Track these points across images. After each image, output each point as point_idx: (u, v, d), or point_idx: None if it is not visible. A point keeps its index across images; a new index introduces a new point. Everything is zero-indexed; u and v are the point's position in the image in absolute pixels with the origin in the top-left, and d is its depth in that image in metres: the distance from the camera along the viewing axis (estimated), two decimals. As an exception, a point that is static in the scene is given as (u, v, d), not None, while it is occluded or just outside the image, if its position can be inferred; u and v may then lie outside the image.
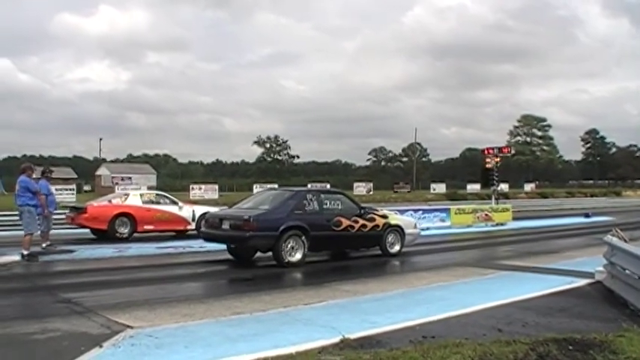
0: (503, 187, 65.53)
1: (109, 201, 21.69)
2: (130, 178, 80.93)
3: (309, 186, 63.68)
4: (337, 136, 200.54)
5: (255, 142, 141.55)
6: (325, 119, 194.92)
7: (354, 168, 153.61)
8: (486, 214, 28.34)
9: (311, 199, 15.34)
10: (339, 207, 15.87)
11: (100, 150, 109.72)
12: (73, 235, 20.92)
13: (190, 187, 63.43)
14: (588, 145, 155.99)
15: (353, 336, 7.46)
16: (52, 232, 17.52)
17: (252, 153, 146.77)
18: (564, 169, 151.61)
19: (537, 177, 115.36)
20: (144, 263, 15.40)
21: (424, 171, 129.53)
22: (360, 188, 78.01)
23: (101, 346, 7.06)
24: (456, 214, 27.57)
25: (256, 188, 61.71)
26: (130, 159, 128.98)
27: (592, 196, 75.20)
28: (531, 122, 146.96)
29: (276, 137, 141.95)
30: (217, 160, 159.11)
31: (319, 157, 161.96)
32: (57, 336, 7.65)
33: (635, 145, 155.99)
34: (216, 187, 61.54)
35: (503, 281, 12.59)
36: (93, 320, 8.57)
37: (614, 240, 11.24)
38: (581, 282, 11.77)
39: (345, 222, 15.55)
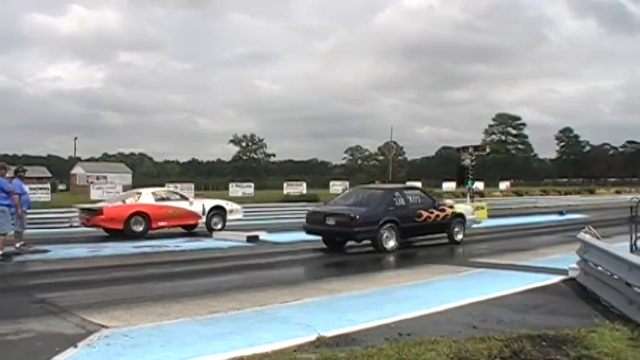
0: (479, 185, 65.77)
1: (123, 201, 22.16)
2: (105, 177, 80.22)
3: (285, 185, 63.94)
4: (313, 135, 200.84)
5: (231, 141, 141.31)
6: (301, 118, 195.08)
7: (330, 167, 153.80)
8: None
9: (398, 196, 18.09)
10: (419, 201, 18.61)
11: (75, 149, 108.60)
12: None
13: (166, 185, 62.90)
14: (562, 143, 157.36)
15: (329, 334, 7.49)
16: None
17: (228, 152, 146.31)
18: (539, 167, 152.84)
19: (512, 175, 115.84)
20: (119, 263, 15.32)
21: (400, 169, 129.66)
22: (337, 187, 77.65)
23: (76, 346, 7.02)
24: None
25: (232, 187, 61.59)
26: (106, 158, 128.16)
27: (566, 194, 75.93)
28: (506, 121, 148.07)
29: (252, 136, 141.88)
30: (193, 159, 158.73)
31: (295, 155, 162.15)
32: (31, 337, 7.62)
33: (609, 144, 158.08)
34: (192, 186, 60.88)
35: (478, 278, 12.71)
36: (68, 320, 8.53)
37: (587, 237, 11.38)
38: (555, 279, 11.89)
39: (425, 214, 18.31)
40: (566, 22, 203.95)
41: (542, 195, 69.19)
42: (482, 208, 29.34)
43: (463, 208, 20.79)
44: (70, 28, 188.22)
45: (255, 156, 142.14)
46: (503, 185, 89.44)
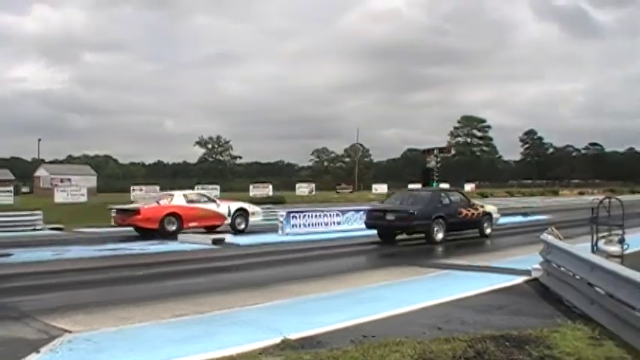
0: (444, 186, 66.26)
1: (157, 202, 23.71)
2: (69, 179, 79.35)
3: (251, 187, 63.85)
4: (280, 136, 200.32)
5: (197, 143, 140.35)
6: (267, 120, 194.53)
7: (296, 168, 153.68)
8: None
9: (444, 197, 21.85)
10: (459, 200, 22.15)
11: (39, 151, 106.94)
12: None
13: (131, 188, 62.45)
14: (527, 145, 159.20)
15: (294, 336, 7.48)
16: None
17: (194, 154, 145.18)
18: (504, 168, 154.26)
19: (477, 177, 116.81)
20: (83, 266, 15.19)
21: (366, 171, 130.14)
22: (303, 189, 77.96)
23: (38, 352, 6.94)
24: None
25: (198, 189, 61.18)
26: (70, 160, 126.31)
27: (530, 195, 76.84)
28: (471, 123, 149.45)
29: (218, 138, 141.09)
30: (159, 160, 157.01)
31: (262, 157, 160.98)
32: (-8, 342, 7.50)
33: (572, 146, 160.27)
34: (158, 188, 60.43)
35: (443, 280, 12.81)
36: (30, 325, 8.43)
37: (550, 238, 11.51)
38: (519, 279, 12.01)
39: (464, 211, 21.55)
40: (530, 26, 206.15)
41: (506, 196, 69.93)
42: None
43: (490, 207, 23.88)
44: (35, 28, 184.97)
45: (222, 158, 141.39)
46: (469, 187, 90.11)
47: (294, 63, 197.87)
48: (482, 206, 22.94)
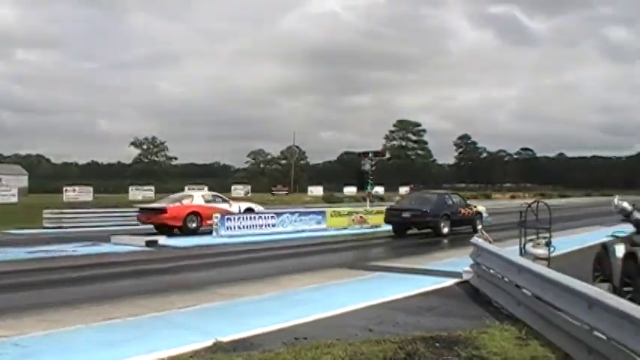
0: (379, 189, 66.93)
1: (180, 202, 25.74)
2: None
3: (186, 188, 62.99)
4: (216, 138, 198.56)
5: (132, 144, 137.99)
6: (204, 121, 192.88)
7: (232, 170, 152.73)
8: (361, 217, 28.88)
9: (448, 198, 25.96)
10: (458, 202, 26.14)
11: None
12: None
13: (64, 188, 61.04)
14: (461, 149, 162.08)
15: (226, 339, 7.47)
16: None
17: (128, 154, 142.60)
18: (438, 172, 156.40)
19: (412, 180, 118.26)
20: (12, 269, 14.82)
21: (302, 174, 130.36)
22: (239, 191, 77.62)
23: (-38, 357, 6.76)
24: (331, 216, 28.00)
25: (132, 190, 60.45)
26: (1, 159, 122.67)
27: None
28: (406, 127, 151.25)
29: (153, 138, 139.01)
30: (93, 161, 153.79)
31: (198, 159, 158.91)
32: None
33: (504, 151, 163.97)
34: (91, 189, 59.49)
35: (375, 282, 12.93)
36: (-46, 331, 8.18)
37: (480, 241, 11.76)
38: (450, 282, 12.24)
39: (462, 210, 25.48)
40: (465, 33, 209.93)
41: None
42: (380, 212, 29.90)
43: (481, 208, 27.66)
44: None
45: (157, 159, 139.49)
46: (403, 190, 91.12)
47: (231, 64, 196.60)
48: (475, 207, 26.96)
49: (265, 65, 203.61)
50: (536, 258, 11.04)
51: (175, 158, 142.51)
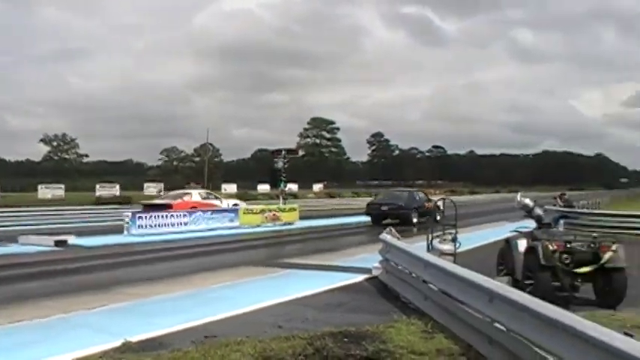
0: (293, 187, 67.16)
1: (182, 198, 29.50)
2: None
3: (97, 187, 61.72)
4: (129, 135, 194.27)
5: (42, 140, 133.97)
6: (116, 118, 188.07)
7: (145, 168, 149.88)
8: (274, 214, 28.98)
9: (416, 194, 31.97)
10: (424, 197, 31.49)
11: None
12: None
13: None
14: (374, 147, 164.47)
15: (135, 339, 7.40)
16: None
17: (37, 151, 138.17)
18: (352, 169, 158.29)
19: (326, 177, 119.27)
20: None
21: (216, 171, 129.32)
22: (151, 189, 76.05)
23: None
24: (244, 214, 27.93)
25: (41, 189, 58.57)
26: None
27: (376, 196, 79.17)
28: (320, 124, 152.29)
29: (63, 135, 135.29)
30: (0, 158, 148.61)
31: (109, 156, 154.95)
32: None
33: (416, 148, 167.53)
34: (-1, 186, 57.31)
35: (287, 279, 13.05)
36: None
37: (389, 238, 11.98)
38: (360, 278, 12.45)
39: (426, 204, 28.96)
40: (379, 32, 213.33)
41: (353, 197, 71.73)
42: (293, 209, 30.08)
43: (439, 202, 29.64)
44: None
45: (67, 156, 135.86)
46: (317, 187, 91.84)
47: (144, 60, 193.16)
48: (434, 201, 28.79)
49: (179, 61, 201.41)
50: (442, 254, 11.32)
51: (86, 156, 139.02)
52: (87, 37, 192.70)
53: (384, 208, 29.55)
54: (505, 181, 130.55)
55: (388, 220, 26.74)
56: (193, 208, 27.33)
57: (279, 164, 31.49)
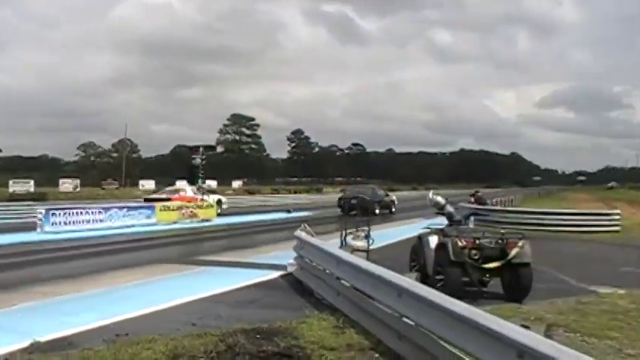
0: (211, 183, 66.66)
1: (178, 193, 33.10)
2: None
3: (10, 182, 59.90)
4: (44, 129, 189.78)
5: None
6: (31, 112, 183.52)
7: (62, 163, 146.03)
8: (192, 211, 28.77)
9: (377, 190, 40.00)
10: (383, 193, 39.48)
11: None
12: None
13: None
14: (294, 144, 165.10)
15: (44, 339, 7.29)
16: None
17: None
18: (271, 166, 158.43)
19: (246, 174, 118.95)
20: None
21: (134, 167, 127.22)
22: (67, 185, 74.17)
23: None
24: (161, 210, 27.56)
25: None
26: None
27: (296, 192, 79.70)
28: (240, 121, 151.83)
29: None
30: None
31: (25, 151, 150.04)
32: None
33: (336, 146, 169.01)
34: None
35: (202, 276, 13.04)
36: None
37: (303, 234, 12.14)
38: (275, 274, 12.58)
39: (385, 199, 37.87)
40: (300, 29, 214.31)
41: (273, 193, 71.89)
42: (211, 206, 29.95)
43: (394, 197, 41.31)
44: None
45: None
46: (236, 184, 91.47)
47: (62, 52, 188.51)
48: (391, 196, 40.50)
49: (97, 55, 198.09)
50: (354, 250, 11.55)
51: (0, 150, 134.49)
52: (1, 28, 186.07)
53: (353, 201, 33.33)
54: (423, 179, 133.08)
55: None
56: (189, 202, 30.71)
57: (197, 160, 31.39)
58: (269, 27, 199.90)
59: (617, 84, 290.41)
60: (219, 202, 35.27)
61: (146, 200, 31.12)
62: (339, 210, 35.24)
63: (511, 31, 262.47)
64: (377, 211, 34.34)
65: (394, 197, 40.89)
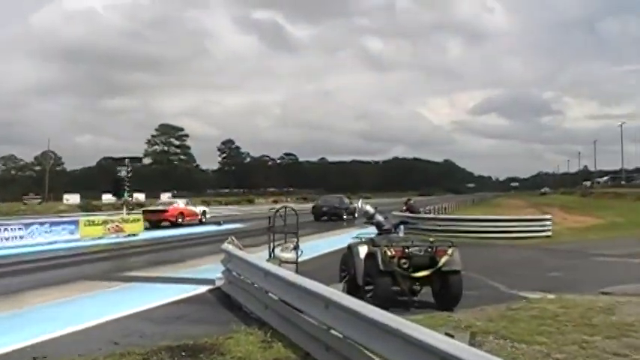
0: (139, 196, 65.73)
1: (172, 205, 38.20)
2: None
3: None
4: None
5: None
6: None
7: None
8: (117, 225, 28.21)
9: (344, 198, 45.88)
10: (348, 201, 43.57)
11: None
12: None
13: None
14: (224, 154, 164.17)
15: (-46, 365, 7.04)
16: None
17: None
18: (202, 177, 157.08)
19: (175, 186, 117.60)
20: None
21: (58, 181, 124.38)
22: (-15, 199, 71.89)
23: None
24: (85, 226, 26.94)
25: None
26: None
27: (227, 204, 79.23)
28: (169, 131, 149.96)
29: None
30: None
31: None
32: None
33: (268, 156, 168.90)
34: None
35: (127, 293, 12.79)
36: None
37: (230, 247, 12.03)
38: (203, 289, 12.45)
39: (350, 206, 39.12)
40: (229, 37, 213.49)
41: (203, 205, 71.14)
42: (137, 220, 29.48)
43: (357, 204, 40.25)
44: None
45: None
46: (165, 196, 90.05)
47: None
48: (355, 203, 43.67)
49: (16, 63, 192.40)
50: (282, 262, 11.48)
51: None
52: None
53: (325, 208, 42.10)
54: (356, 188, 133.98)
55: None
56: (181, 212, 37.10)
57: (123, 173, 30.82)
58: (198, 34, 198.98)
59: (547, 90, 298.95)
60: (204, 212, 40.72)
61: (144, 213, 34.94)
62: (312, 217, 39.66)
63: (443, 39, 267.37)
64: (345, 217, 40.34)
65: (359, 204, 46.06)
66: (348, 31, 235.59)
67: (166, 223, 35.75)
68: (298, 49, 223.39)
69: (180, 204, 38.49)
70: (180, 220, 36.36)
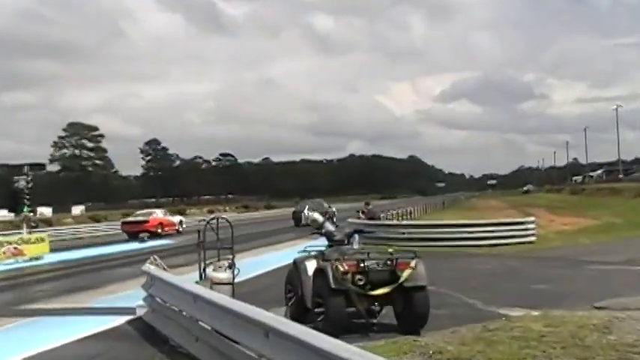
0: (45, 211, 64.93)
1: (152, 216, 44.55)
2: None
3: None
4: None
5: None
6: None
7: None
8: (16, 248, 27.68)
9: (323, 203, 55.04)
10: (328, 207, 50.89)
11: None
12: None
13: None
14: (149, 157, 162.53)
15: None
16: None
17: None
18: (122, 185, 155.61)
19: (90, 197, 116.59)
20: None
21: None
22: None
23: None
24: (-30, 250, 26.49)
25: None
26: None
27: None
28: (80, 132, 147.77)
29: None
30: None
31: None
32: None
33: (201, 157, 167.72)
34: None
35: (29, 330, 12.58)
36: None
37: (152, 269, 11.93)
38: (121, 320, 12.31)
39: (329, 210, 45.69)
40: (150, 17, 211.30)
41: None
42: (41, 240, 29.02)
43: (334, 209, 50.77)
44: None
45: None
46: (78, 210, 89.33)
47: None
48: (332, 208, 50.81)
49: None
50: (214, 283, 11.41)
51: None
52: None
53: (305, 215, 43.19)
54: (307, 192, 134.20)
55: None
56: (160, 222, 43.72)
57: (22, 183, 30.42)
58: (112, 15, 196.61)
59: (528, 71, 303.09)
60: (180, 222, 46.87)
61: (123, 224, 43.65)
62: (292, 222, 45.92)
63: (403, 14, 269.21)
64: (326, 224, 43.25)
65: (334, 209, 51.81)
66: (291, 7, 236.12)
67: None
68: (233, 29, 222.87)
69: (159, 214, 45.67)
70: (159, 230, 42.28)
